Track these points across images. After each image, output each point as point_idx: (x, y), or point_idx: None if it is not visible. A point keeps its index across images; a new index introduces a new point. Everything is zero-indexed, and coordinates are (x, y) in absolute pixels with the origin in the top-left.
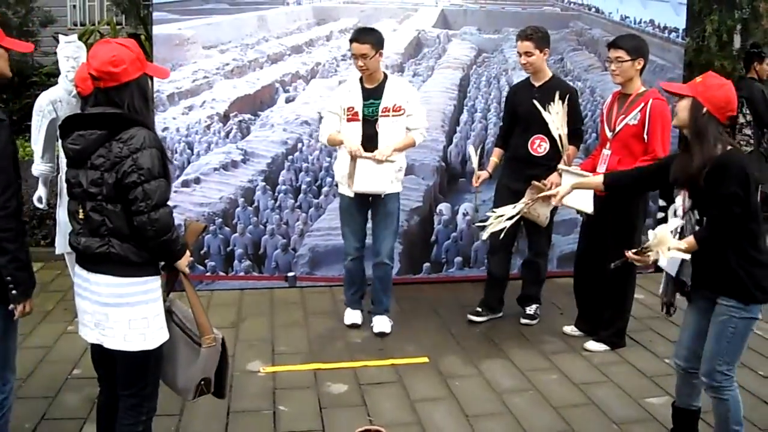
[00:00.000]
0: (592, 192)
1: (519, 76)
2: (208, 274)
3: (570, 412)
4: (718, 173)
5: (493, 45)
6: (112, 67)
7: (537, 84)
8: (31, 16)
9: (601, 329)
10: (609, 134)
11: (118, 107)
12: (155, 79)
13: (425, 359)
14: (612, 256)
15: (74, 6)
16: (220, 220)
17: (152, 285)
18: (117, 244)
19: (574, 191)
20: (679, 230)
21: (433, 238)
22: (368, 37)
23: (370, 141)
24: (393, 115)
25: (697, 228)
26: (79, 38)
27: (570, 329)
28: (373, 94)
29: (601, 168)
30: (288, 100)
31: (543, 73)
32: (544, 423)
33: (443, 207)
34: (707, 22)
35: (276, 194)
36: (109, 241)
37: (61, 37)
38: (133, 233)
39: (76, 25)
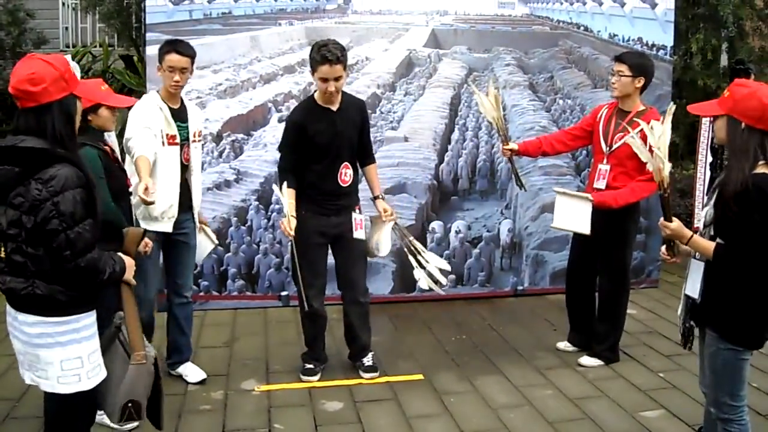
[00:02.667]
0: (589, 213)
1: (509, 95)
2: (201, 294)
3: (565, 427)
4: (756, 196)
5: (483, 64)
6: (30, 85)
7: (334, 108)
8: (24, 37)
9: (594, 344)
10: (605, 149)
11: (40, 132)
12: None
13: (420, 376)
14: (601, 268)
15: (66, 28)
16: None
17: (85, 322)
18: (42, 285)
19: (567, 213)
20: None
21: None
22: (190, 50)
23: (183, 170)
24: (197, 141)
25: None
26: (72, 59)
27: (564, 345)
28: (179, 116)
29: (600, 183)
30: (281, 120)
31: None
32: None
33: (436, 225)
34: (692, 40)
35: (269, 213)
36: (34, 283)
37: None
38: (59, 276)
39: (68, 46)
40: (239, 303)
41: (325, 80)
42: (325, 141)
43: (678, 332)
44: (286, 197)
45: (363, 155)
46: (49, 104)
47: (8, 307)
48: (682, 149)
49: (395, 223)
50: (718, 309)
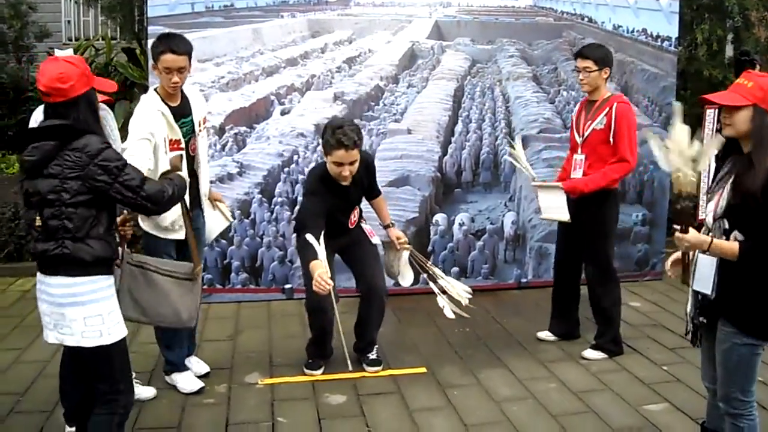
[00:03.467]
0: (564, 200)
1: (513, 87)
2: (205, 287)
3: (569, 420)
4: None
5: (486, 55)
6: (60, 83)
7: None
8: (26, 30)
9: (596, 337)
10: (578, 140)
11: (71, 119)
12: None
13: (423, 369)
14: (585, 260)
15: (69, 21)
16: None
17: (103, 283)
18: (70, 244)
19: (545, 202)
20: (705, 234)
21: (430, 248)
22: (187, 45)
23: (189, 165)
24: (203, 129)
25: (723, 238)
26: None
27: (544, 335)
28: (182, 111)
29: (576, 173)
30: (283, 113)
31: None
32: (543, 431)
33: (439, 217)
34: (697, 31)
35: (272, 206)
36: (63, 243)
37: (57, 52)
38: (90, 232)
39: (71, 39)
40: (243, 296)
41: (339, 164)
42: (338, 209)
43: (683, 325)
44: (320, 252)
45: (369, 194)
46: (76, 98)
47: (38, 274)
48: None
49: (411, 252)
50: (735, 303)
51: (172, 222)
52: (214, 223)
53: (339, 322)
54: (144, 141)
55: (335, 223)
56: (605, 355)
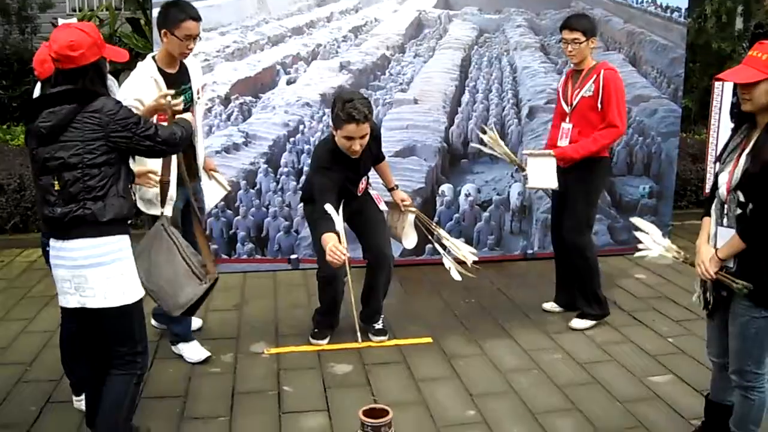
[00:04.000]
0: (554, 168)
1: (520, 57)
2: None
3: (574, 390)
4: None
5: (494, 25)
6: (70, 51)
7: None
8: (29, 1)
9: (581, 304)
10: (567, 108)
11: (80, 85)
12: None
13: (429, 339)
14: (564, 222)
15: None
16: (222, 203)
17: (123, 243)
18: (92, 204)
19: (533, 171)
20: (719, 208)
21: (436, 219)
22: (198, 12)
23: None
24: (201, 97)
25: (738, 211)
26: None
27: (550, 306)
28: (180, 79)
29: (563, 141)
30: (289, 82)
31: None
32: (549, 402)
33: (445, 188)
34: (707, 3)
35: (278, 176)
36: (84, 204)
37: (60, 21)
38: (111, 190)
39: (74, 10)
40: (249, 266)
41: (350, 138)
42: (350, 181)
43: (689, 298)
44: (337, 224)
45: (375, 161)
46: (85, 66)
47: (53, 241)
48: (695, 114)
49: (417, 215)
50: (752, 277)
51: (155, 195)
52: (212, 192)
53: (351, 290)
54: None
55: (345, 193)
56: (592, 322)
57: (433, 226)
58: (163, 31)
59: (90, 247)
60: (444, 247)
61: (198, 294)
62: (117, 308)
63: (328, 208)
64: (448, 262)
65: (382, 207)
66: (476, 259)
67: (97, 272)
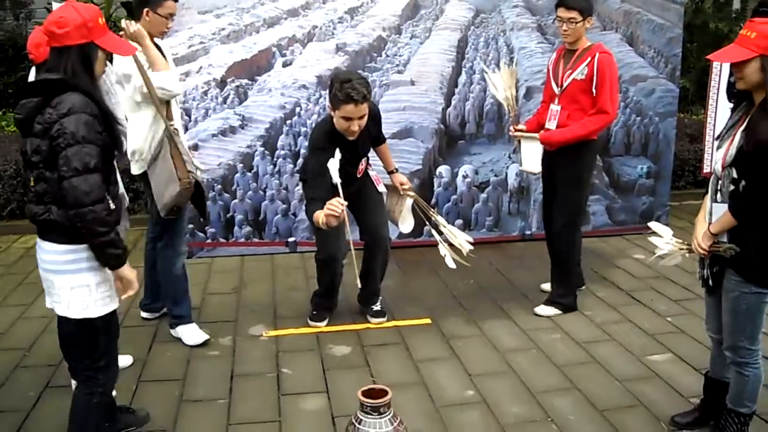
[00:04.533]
0: (540, 153)
1: (517, 37)
2: (208, 241)
3: (573, 370)
4: None
5: (491, 5)
6: (56, 27)
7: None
8: None
9: (553, 290)
10: (557, 90)
11: (59, 70)
12: None
13: (428, 320)
14: (556, 212)
15: None
16: (220, 186)
17: (91, 253)
18: (56, 210)
19: (524, 153)
20: (717, 187)
21: (433, 200)
22: None
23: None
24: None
25: (731, 187)
26: None
27: (547, 286)
28: None
29: (551, 124)
30: (285, 64)
31: None
32: (547, 381)
33: (443, 169)
34: None
35: (275, 159)
36: (50, 209)
37: (54, 5)
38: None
39: None
40: (246, 250)
41: (348, 119)
42: (348, 163)
43: (688, 277)
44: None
45: (375, 142)
46: (69, 47)
47: (37, 238)
48: (693, 94)
49: (415, 199)
50: (743, 253)
51: (132, 151)
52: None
53: (355, 264)
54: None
55: (344, 175)
56: (558, 311)
57: (431, 212)
58: (145, 10)
59: (56, 253)
60: (440, 233)
61: (173, 194)
62: (78, 320)
63: (330, 165)
64: (443, 249)
65: (381, 189)
66: (472, 248)
67: (63, 280)
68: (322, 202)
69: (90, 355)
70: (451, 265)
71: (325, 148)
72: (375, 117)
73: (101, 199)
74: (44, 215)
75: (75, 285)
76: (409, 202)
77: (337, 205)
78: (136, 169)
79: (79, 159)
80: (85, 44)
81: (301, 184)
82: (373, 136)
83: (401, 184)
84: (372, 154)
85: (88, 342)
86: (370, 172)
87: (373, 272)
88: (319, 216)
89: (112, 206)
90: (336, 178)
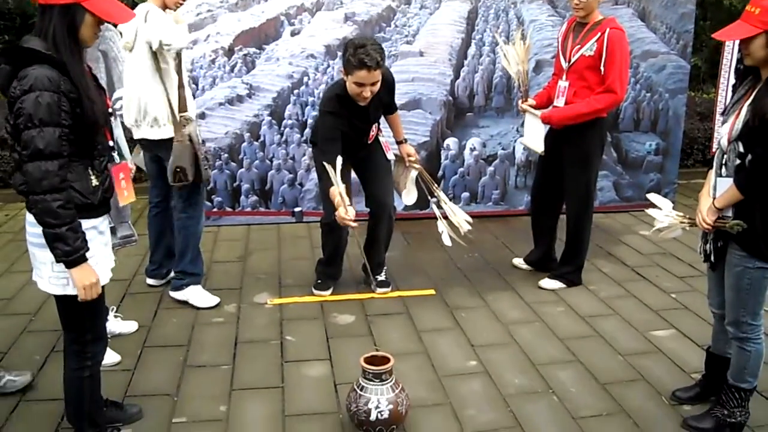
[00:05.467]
0: (543, 131)
1: (528, 9)
2: (215, 209)
3: (576, 343)
4: None
5: None
6: None
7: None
8: None
9: (559, 265)
10: (564, 65)
11: (42, 34)
12: None
13: (432, 291)
14: (565, 190)
15: None
16: (226, 155)
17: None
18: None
19: (527, 129)
20: (722, 162)
21: (440, 173)
22: None
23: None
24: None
25: (737, 161)
26: None
27: (518, 261)
28: None
29: (559, 101)
30: (293, 33)
31: None
32: (550, 353)
33: (450, 142)
34: None
35: (282, 129)
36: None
37: None
38: None
39: None
40: (252, 219)
41: (360, 85)
42: (357, 128)
43: (693, 254)
44: (338, 186)
45: (387, 111)
46: (51, 6)
47: None
48: (704, 73)
49: (420, 172)
50: (747, 227)
51: (154, 117)
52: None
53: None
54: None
55: (354, 141)
56: (563, 285)
57: (434, 187)
58: None
59: (35, 224)
60: (440, 209)
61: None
62: (60, 297)
63: (328, 168)
64: (441, 225)
65: (390, 156)
66: (470, 228)
67: (44, 254)
68: (332, 163)
69: (75, 329)
70: (447, 242)
71: (335, 113)
72: (389, 85)
73: (55, 188)
74: (23, 185)
75: (54, 260)
76: (413, 173)
77: (350, 221)
78: (155, 136)
79: (34, 144)
80: (71, 5)
81: (311, 147)
82: (384, 103)
83: (408, 156)
84: (383, 122)
85: (73, 317)
86: (381, 139)
87: (378, 242)
88: (334, 197)
89: (95, 182)
90: (341, 187)
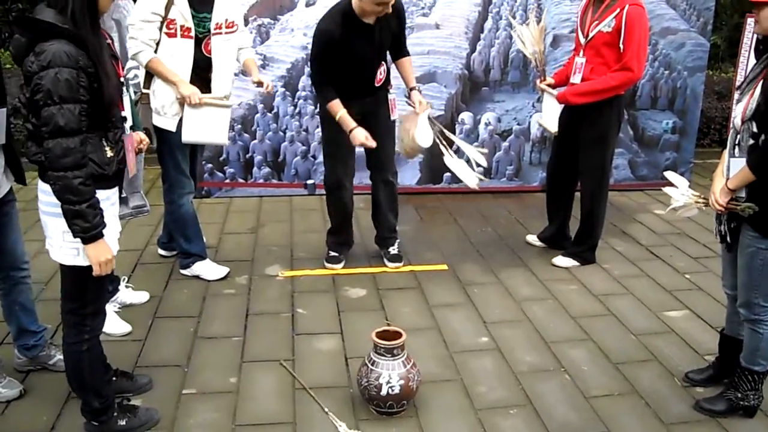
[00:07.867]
0: (558, 111)
1: None
2: (227, 181)
3: (588, 321)
4: None
5: None
6: None
7: (372, 21)
8: None
9: (574, 243)
10: (582, 40)
11: (59, 4)
12: None
13: (444, 266)
14: (582, 172)
15: None
16: (239, 126)
17: None
18: (41, 150)
19: (544, 107)
20: (736, 141)
21: (455, 148)
22: None
23: (200, 67)
24: (226, 33)
25: (751, 141)
26: None
27: (532, 239)
28: (202, 4)
29: (576, 78)
30: (308, 4)
31: None
32: (562, 331)
33: (465, 116)
34: None
35: (296, 100)
36: (39, 148)
37: None
38: None
39: None
40: (265, 191)
41: (382, 3)
42: (361, 54)
43: (708, 235)
44: (339, 111)
45: (396, 50)
46: None
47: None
48: (723, 51)
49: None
50: (762, 209)
51: (161, 105)
52: (216, 123)
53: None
54: (145, 24)
55: (360, 77)
56: (576, 263)
57: (445, 131)
58: None
59: (49, 194)
60: (456, 151)
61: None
62: (69, 267)
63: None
64: (459, 166)
65: (394, 116)
66: (485, 164)
67: (56, 223)
68: (329, 86)
69: (77, 301)
70: (473, 184)
71: (335, 33)
72: (399, 13)
73: (77, 165)
74: (36, 156)
75: (66, 230)
76: (425, 115)
77: (364, 140)
78: (168, 126)
79: (54, 121)
80: None
81: (310, 79)
82: (394, 33)
83: (419, 103)
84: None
85: (76, 288)
86: (389, 96)
87: (382, 208)
88: (337, 111)
89: (110, 154)
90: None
